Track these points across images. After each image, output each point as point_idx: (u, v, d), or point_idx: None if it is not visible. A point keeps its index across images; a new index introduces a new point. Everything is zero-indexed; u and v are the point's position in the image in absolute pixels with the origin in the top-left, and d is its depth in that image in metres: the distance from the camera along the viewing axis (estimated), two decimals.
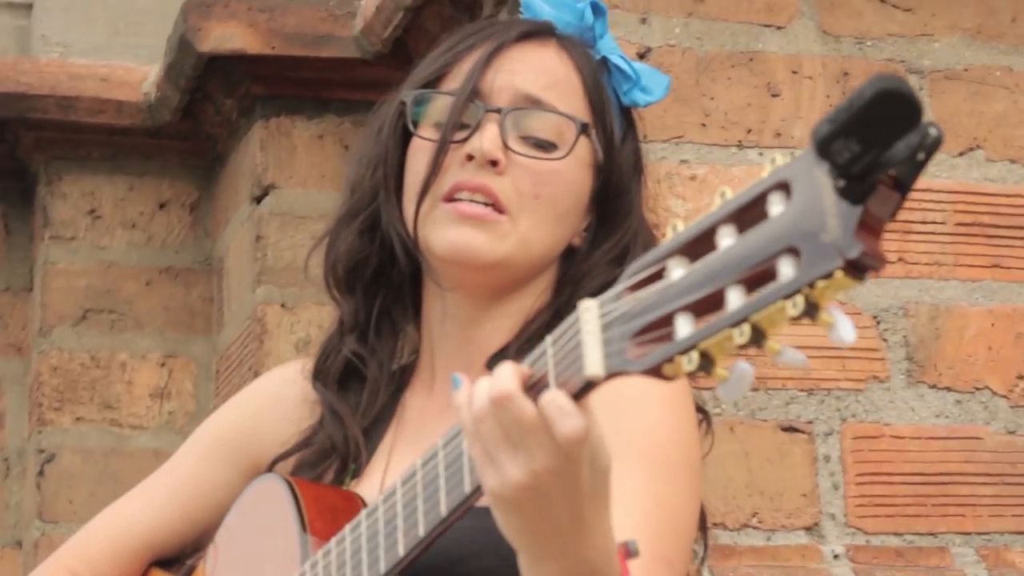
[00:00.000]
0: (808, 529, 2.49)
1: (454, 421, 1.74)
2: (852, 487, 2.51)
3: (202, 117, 3.32)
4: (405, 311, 1.90)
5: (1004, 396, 2.56)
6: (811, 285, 1.19)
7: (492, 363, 1.81)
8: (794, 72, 2.58)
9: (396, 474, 1.77)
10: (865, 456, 2.52)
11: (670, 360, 1.28)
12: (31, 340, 3.52)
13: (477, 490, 1.44)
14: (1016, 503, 2.52)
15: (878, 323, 2.56)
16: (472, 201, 1.78)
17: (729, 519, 2.49)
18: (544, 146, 1.80)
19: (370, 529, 1.56)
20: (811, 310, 1.20)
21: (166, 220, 3.44)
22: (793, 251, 1.21)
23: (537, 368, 1.40)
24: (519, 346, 1.80)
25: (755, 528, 2.49)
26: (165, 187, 3.43)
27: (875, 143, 1.15)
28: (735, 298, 1.24)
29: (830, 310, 1.21)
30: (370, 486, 1.80)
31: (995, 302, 2.59)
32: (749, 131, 2.58)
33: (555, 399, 1.36)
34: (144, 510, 1.97)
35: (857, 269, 1.18)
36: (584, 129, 1.81)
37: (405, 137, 1.85)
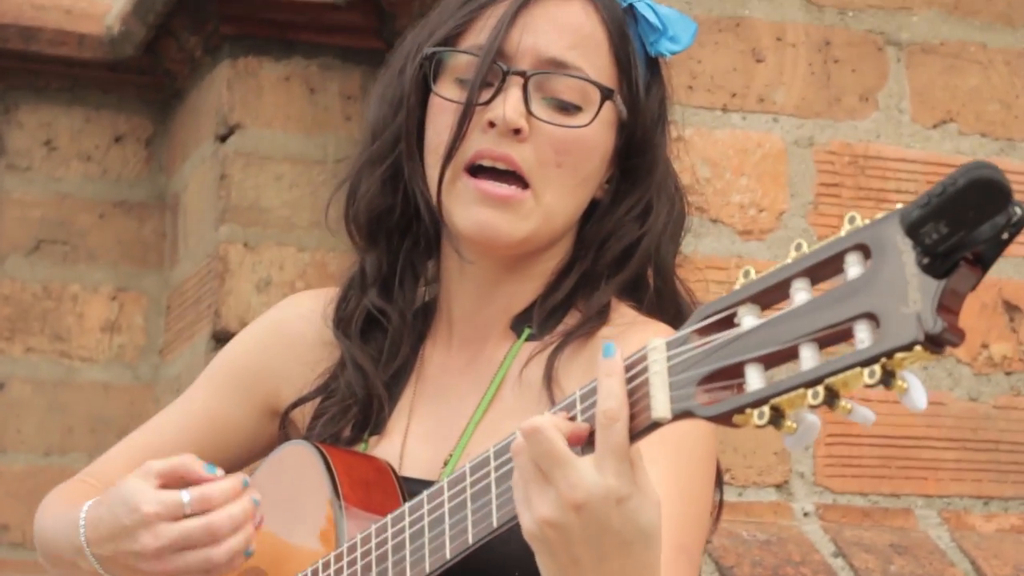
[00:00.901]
0: (778, 487, 2.57)
1: (472, 382, 1.75)
2: (821, 447, 2.59)
3: (163, 53, 3.29)
4: (428, 260, 1.88)
5: (968, 364, 2.65)
6: (889, 355, 1.23)
7: (515, 324, 1.82)
8: (778, 39, 2.61)
9: (415, 437, 1.81)
10: (834, 417, 2.59)
11: (740, 411, 1.33)
12: None
13: None
14: (977, 468, 2.62)
15: None
16: (494, 170, 1.77)
17: None
18: (567, 108, 1.78)
19: (414, 525, 1.59)
20: (887, 378, 1.25)
21: (121, 154, 3.41)
22: (871, 317, 1.24)
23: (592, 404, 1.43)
24: (543, 314, 1.81)
25: (727, 484, 2.57)
26: (121, 121, 3.40)
27: (963, 226, 1.19)
28: (809, 356, 1.28)
29: (904, 375, 1.26)
30: (391, 447, 1.81)
31: None
32: (734, 95, 2.61)
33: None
34: (159, 443, 1.96)
35: (936, 344, 1.23)
36: (609, 95, 1.79)
37: (426, 89, 1.82)
